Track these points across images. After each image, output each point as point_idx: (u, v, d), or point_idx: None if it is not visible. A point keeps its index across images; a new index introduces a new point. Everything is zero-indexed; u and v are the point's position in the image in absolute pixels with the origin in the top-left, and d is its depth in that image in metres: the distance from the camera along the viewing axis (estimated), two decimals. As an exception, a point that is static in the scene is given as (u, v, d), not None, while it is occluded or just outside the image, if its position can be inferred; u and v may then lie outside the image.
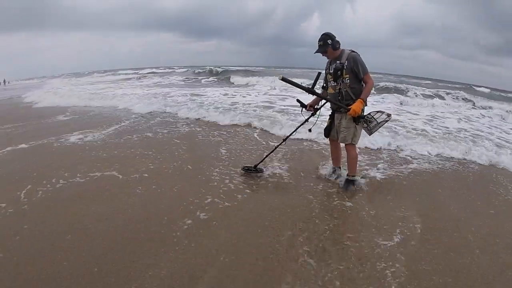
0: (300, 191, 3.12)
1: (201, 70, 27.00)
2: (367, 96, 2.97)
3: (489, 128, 7.51)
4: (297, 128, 3.48)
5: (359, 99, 2.91)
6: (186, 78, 22.67)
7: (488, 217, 2.81)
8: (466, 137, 5.82)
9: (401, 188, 3.33)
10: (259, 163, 3.49)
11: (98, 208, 2.67)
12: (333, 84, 3.04)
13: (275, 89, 13.11)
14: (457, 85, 25.51)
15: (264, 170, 3.52)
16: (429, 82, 25.96)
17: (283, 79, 2.88)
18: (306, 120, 3.34)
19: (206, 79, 21.23)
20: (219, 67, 30.15)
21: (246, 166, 3.53)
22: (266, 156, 3.60)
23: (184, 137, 5.10)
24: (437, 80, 32.59)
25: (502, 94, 22.04)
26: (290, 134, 3.56)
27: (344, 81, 2.96)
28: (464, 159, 4.43)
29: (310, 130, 3.47)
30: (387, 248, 2.22)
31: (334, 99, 3.05)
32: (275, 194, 3.04)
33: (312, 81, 3.03)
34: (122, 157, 4.04)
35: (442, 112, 9.42)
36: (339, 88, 3.00)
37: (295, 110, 7.28)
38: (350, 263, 2.04)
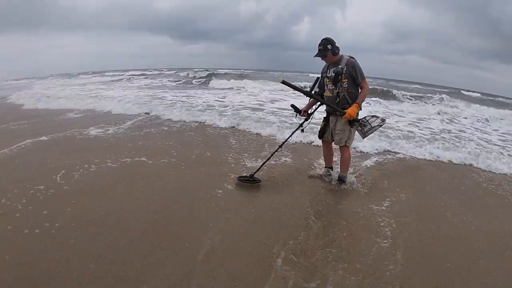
0: (296, 185, 3.54)
1: (184, 73, 27.21)
2: (362, 101, 3.22)
3: (469, 128, 8.38)
4: (292, 134, 3.60)
5: (354, 104, 3.14)
6: (174, 80, 22.82)
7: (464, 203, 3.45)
8: (451, 139, 6.53)
9: (390, 181, 3.84)
10: (256, 172, 3.42)
11: (134, 192, 3.09)
12: (331, 88, 3.26)
13: (264, 90, 13.88)
14: (445, 89, 26.94)
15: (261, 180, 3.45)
16: (418, 86, 27.23)
17: (284, 82, 3.05)
18: (301, 125, 3.48)
19: (197, 81, 21.55)
20: (207, 70, 30.86)
21: (242, 176, 3.43)
22: (263, 164, 3.51)
23: (196, 131, 5.80)
24: (426, 84, 33.98)
25: (490, 98, 23.54)
26: (286, 140, 3.60)
27: (342, 85, 3.19)
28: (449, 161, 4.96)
29: (302, 131, 3.56)
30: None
31: (332, 102, 3.27)
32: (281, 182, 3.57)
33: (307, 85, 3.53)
34: (147, 146, 4.64)
35: (428, 115, 10.17)
36: (337, 92, 3.22)
37: (282, 112, 7.92)
38: (349, 222, 2.79)
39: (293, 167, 4.08)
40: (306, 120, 3.48)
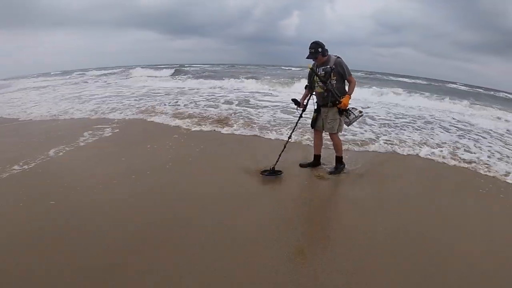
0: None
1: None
2: (352, 93, 3.92)
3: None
4: (296, 124, 4.30)
5: (347, 95, 3.86)
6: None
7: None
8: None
9: (371, 168, 4.55)
10: (275, 164, 4.08)
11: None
12: (321, 85, 3.93)
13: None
14: (435, 83, 28.83)
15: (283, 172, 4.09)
16: (406, 80, 28.79)
17: (311, 69, 3.93)
18: (301, 116, 4.23)
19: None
20: (181, 65, 31.53)
21: (266, 170, 4.08)
22: (280, 156, 4.13)
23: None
24: (415, 77, 35.73)
25: (476, 89, 25.54)
26: (293, 131, 4.37)
27: (331, 82, 3.89)
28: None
29: (301, 116, 4.26)
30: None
31: (323, 97, 3.98)
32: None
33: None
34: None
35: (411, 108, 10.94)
36: (327, 88, 3.89)
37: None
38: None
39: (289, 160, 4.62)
40: (303, 111, 4.23)
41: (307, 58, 3.87)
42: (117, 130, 6.29)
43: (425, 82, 27.81)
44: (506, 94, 25.63)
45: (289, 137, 4.35)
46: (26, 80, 22.75)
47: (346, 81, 3.98)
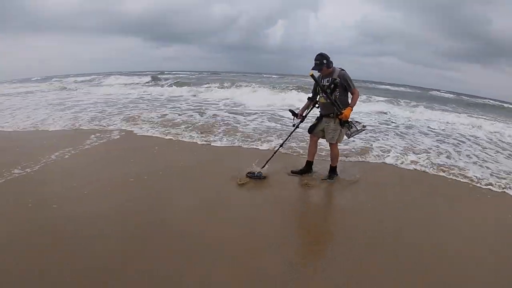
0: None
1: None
2: (355, 105, 4.01)
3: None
4: (290, 134, 4.50)
5: (349, 107, 3.93)
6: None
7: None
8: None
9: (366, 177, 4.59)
10: (262, 167, 4.28)
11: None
12: (324, 95, 4.04)
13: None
14: (418, 90, 29.96)
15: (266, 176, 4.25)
16: (389, 87, 29.72)
17: (312, 76, 3.97)
18: (297, 127, 4.33)
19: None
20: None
21: (250, 172, 4.25)
22: (267, 161, 4.33)
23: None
24: (398, 85, 36.95)
25: (460, 96, 26.56)
26: (286, 139, 4.57)
27: (335, 94, 3.99)
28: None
29: (297, 127, 4.33)
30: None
31: (327, 108, 4.09)
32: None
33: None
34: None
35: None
36: (330, 99, 3.96)
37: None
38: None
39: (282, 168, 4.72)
40: (301, 121, 4.34)
41: (313, 69, 4.00)
42: (102, 141, 5.99)
43: (409, 90, 28.92)
44: (489, 101, 26.92)
45: (281, 145, 4.57)
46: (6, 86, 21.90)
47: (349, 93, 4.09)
